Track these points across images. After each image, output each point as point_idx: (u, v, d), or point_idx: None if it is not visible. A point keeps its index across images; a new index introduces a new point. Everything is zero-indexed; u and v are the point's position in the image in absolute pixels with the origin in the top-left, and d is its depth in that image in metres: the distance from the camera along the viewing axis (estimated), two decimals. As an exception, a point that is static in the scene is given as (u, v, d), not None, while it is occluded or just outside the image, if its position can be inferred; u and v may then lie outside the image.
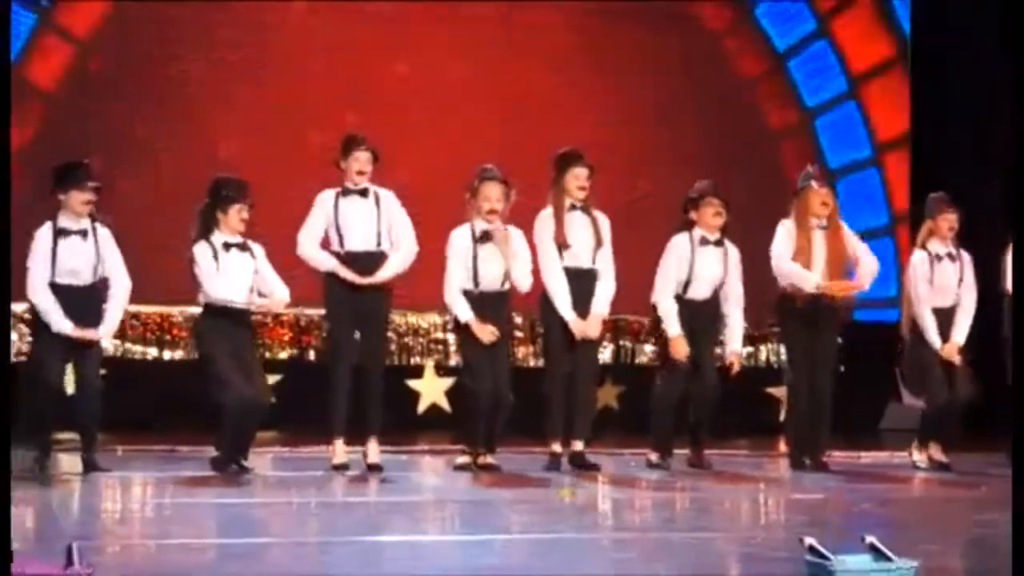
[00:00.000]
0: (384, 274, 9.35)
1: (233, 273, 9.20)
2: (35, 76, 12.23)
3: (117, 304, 9.32)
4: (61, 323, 9.03)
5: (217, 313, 9.18)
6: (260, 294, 9.29)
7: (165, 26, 12.45)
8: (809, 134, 13.99)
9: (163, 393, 11.94)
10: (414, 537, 7.03)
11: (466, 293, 9.48)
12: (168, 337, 12.31)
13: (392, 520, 7.63)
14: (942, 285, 10.16)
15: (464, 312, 9.41)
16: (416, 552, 6.57)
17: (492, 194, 9.42)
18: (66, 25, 12.30)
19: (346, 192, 9.39)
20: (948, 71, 14.04)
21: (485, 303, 9.44)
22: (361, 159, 9.38)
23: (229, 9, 12.58)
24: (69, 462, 9.36)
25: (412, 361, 12.81)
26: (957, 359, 10.02)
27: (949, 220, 10.15)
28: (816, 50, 14.02)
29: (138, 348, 12.25)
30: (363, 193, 9.37)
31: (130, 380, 11.50)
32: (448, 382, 12.70)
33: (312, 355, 12.52)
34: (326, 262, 9.37)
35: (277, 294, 9.32)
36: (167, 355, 12.36)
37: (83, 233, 9.14)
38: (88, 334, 9.12)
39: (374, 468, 9.30)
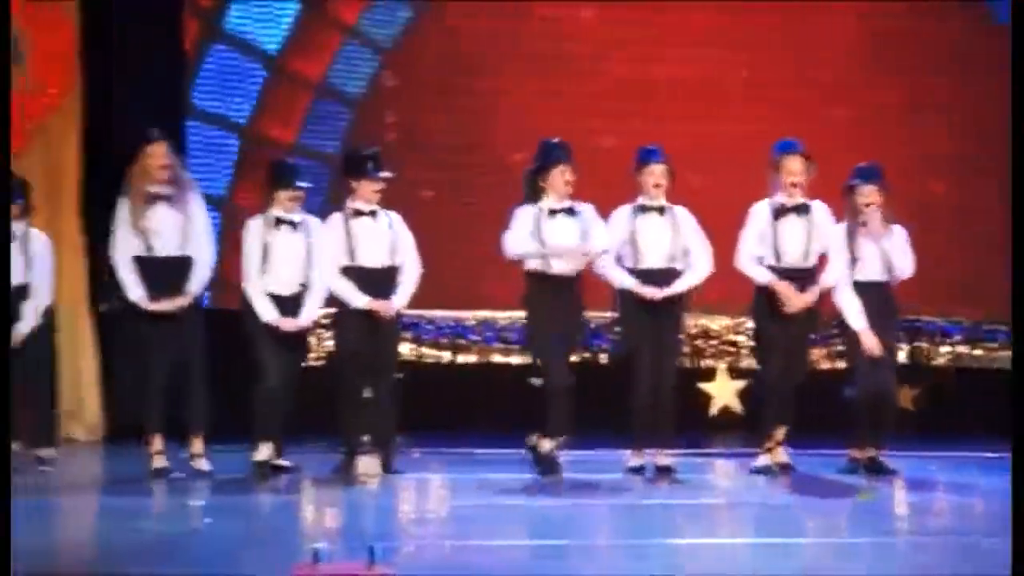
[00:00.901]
0: (677, 288, 9.30)
1: (557, 238, 9.16)
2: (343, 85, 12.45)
3: (408, 285, 9.37)
4: (357, 298, 9.15)
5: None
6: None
7: (464, 36, 12.57)
8: None
9: (457, 396, 12.09)
10: (714, 540, 7.02)
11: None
12: (462, 341, 12.46)
13: (690, 523, 7.63)
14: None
15: (762, 275, 9.29)
16: (718, 554, 6.55)
17: (795, 167, 9.28)
18: (372, 37, 12.50)
19: (644, 209, 9.36)
20: None
21: (788, 279, 9.28)
22: (656, 172, 9.33)
23: (524, 17, 12.64)
24: (368, 464, 9.52)
25: (704, 364, 12.76)
26: None
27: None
28: None
29: (432, 352, 12.42)
30: (660, 211, 9.32)
31: (425, 384, 11.68)
32: (740, 384, 12.60)
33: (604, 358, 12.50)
34: (622, 279, 9.36)
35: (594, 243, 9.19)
36: (460, 359, 12.51)
37: (373, 214, 9.28)
38: (381, 305, 9.18)
39: (663, 471, 9.27)
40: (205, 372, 9.25)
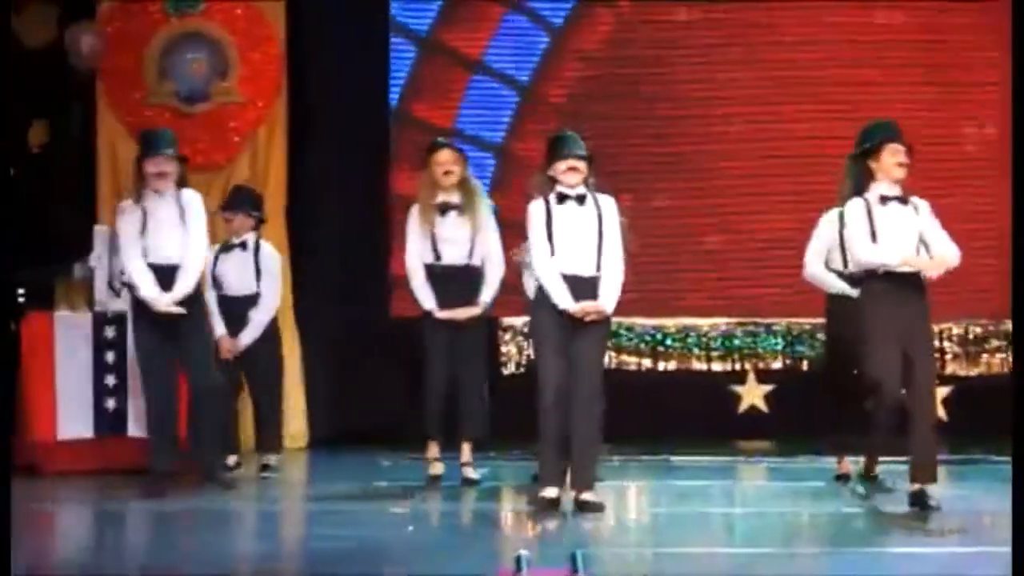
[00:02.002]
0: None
1: (890, 234, 8.24)
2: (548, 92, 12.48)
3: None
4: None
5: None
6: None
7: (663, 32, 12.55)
8: None
9: (657, 405, 12.08)
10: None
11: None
12: (661, 348, 12.45)
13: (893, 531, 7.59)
14: None
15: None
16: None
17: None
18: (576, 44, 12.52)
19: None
20: None
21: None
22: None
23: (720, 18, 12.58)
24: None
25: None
26: None
27: None
28: None
29: (633, 359, 12.43)
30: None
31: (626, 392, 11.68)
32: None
33: (805, 365, 12.43)
34: (835, 283, 9.24)
35: (942, 254, 8.25)
36: (661, 366, 12.49)
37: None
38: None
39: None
40: (482, 381, 9.36)
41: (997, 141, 12.11)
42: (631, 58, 12.41)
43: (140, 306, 8.72)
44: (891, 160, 8.20)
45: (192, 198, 8.80)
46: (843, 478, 9.23)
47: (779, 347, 12.31)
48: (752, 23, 12.42)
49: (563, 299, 8.01)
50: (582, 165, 8.12)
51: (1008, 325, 12.09)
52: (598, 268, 8.09)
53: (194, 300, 8.77)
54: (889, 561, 6.74)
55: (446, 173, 9.27)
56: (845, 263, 9.04)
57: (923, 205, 8.32)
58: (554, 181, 8.16)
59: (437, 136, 10.08)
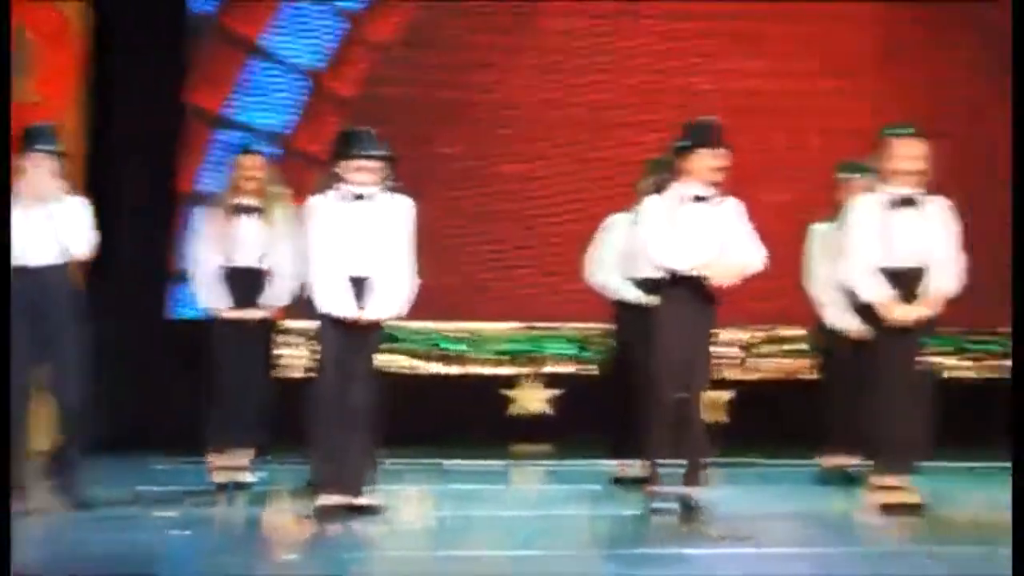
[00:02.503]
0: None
1: (685, 236, 8.20)
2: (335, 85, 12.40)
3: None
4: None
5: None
6: None
7: (461, 35, 12.54)
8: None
9: (440, 408, 12.05)
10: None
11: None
12: (442, 352, 12.42)
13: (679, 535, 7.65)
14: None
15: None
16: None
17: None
18: (368, 34, 12.45)
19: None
20: None
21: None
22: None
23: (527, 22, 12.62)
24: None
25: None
26: None
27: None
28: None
29: (414, 362, 12.36)
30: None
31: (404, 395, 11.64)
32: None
33: (590, 369, 12.48)
34: (621, 291, 9.33)
35: (738, 261, 8.23)
36: (443, 370, 12.45)
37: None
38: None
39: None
40: (265, 385, 9.31)
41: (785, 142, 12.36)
42: (429, 52, 12.40)
43: None
44: (702, 164, 8.17)
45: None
46: (622, 481, 9.29)
47: (565, 351, 12.39)
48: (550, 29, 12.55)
49: (336, 305, 7.92)
50: (375, 166, 7.97)
51: (783, 330, 12.34)
52: (377, 271, 7.97)
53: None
54: (661, 562, 6.79)
55: (248, 179, 9.23)
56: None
57: (731, 207, 8.26)
58: (341, 179, 7.98)
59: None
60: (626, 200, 9.18)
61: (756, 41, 12.63)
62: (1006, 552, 6.33)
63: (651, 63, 12.60)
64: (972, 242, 8.39)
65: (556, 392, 12.25)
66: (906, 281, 8.23)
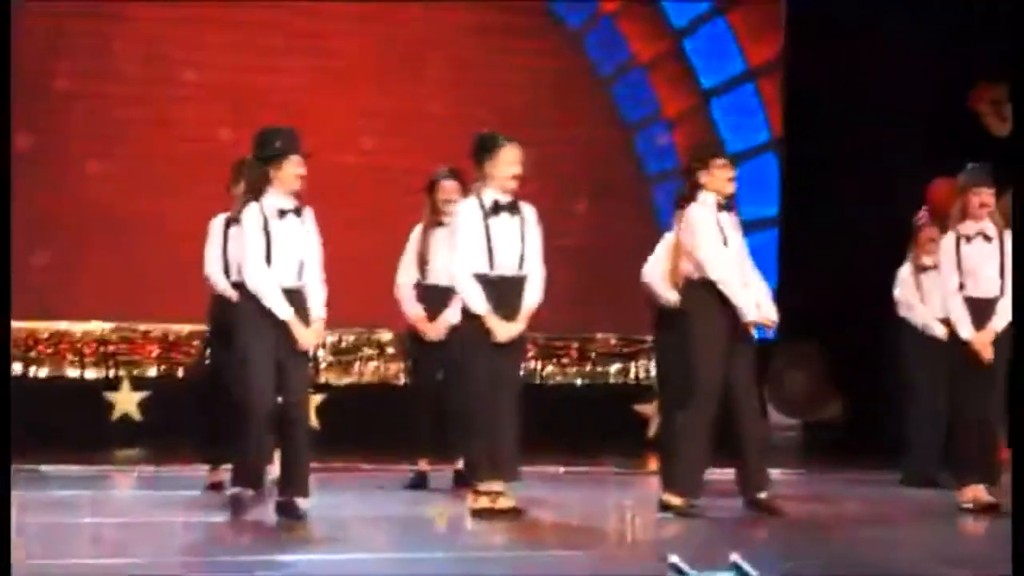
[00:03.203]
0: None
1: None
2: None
3: None
4: None
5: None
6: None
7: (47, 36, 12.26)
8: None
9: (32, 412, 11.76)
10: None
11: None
12: (32, 354, 12.14)
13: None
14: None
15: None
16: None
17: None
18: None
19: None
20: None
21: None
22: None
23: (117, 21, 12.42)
24: None
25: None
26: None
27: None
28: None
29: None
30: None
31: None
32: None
33: (180, 371, 12.39)
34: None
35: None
36: (32, 372, 12.18)
37: None
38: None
39: None
40: None
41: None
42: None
43: None
44: (291, 171, 8.12)
45: None
46: (216, 487, 9.21)
47: (154, 353, 12.23)
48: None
49: None
50: None
51: (380, 334, 12.45)
52: None
53: None
54: (255, 568, 6.77)
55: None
56: None
57: (306, 220, 8.25)
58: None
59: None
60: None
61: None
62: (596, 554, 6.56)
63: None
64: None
65: (146, 394, 12.09)
66: (507, 290, 8.32)
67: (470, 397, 8.29)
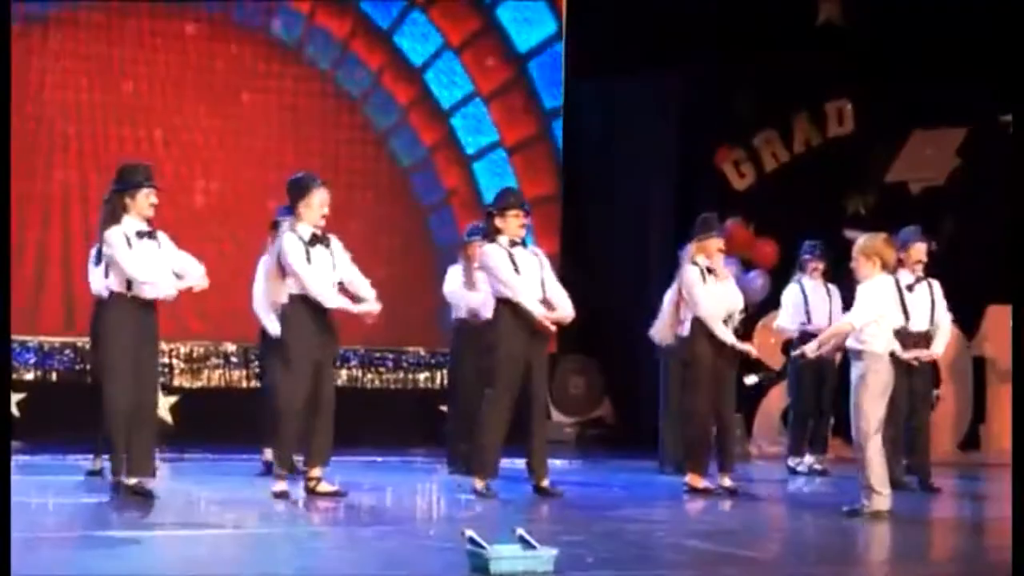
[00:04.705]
0: None
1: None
2: None
3: None
4: None
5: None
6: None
7: None
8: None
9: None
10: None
11: None
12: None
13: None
14: None
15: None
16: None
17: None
18: None
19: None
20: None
21: None
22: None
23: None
24: None
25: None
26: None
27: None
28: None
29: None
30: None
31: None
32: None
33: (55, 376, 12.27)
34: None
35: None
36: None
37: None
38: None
39: None
40: None
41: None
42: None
43: None
44: (145, 202, 8.28)
45: None
46: (96, 474, 9.27)
47: (31, 361, 12.12)
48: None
49: None
50: None
51: (225, 345, 12.43)
52: None
53: None
54: (116, 543, 6.75)
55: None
56: None
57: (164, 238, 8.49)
58: None
59: None
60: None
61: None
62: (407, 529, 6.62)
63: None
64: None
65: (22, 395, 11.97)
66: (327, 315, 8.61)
67: (281, 401, 8.53)
